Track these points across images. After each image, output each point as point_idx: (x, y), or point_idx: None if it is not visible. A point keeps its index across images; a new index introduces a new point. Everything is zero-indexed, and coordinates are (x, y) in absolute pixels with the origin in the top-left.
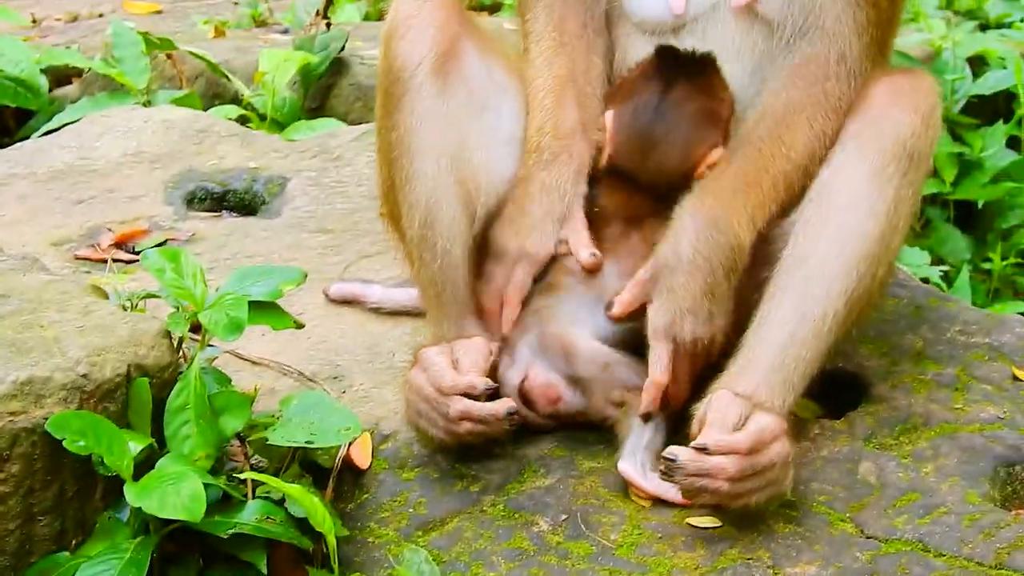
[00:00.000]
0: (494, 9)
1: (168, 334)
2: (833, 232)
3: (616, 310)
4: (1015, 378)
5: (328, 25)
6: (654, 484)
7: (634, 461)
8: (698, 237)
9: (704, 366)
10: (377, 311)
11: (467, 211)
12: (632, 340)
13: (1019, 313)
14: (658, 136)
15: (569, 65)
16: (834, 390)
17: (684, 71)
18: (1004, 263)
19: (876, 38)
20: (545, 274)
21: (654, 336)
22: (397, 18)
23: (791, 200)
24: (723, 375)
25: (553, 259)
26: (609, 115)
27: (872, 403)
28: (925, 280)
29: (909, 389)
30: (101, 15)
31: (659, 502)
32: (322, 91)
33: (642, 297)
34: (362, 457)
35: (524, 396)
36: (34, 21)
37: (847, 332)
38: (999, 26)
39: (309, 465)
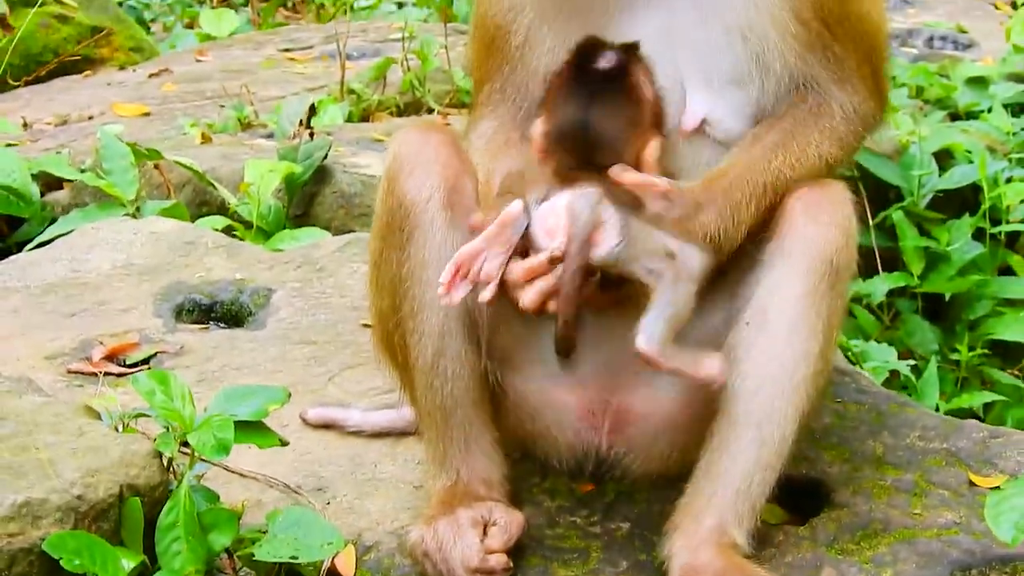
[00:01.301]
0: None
1: (158, 454)
2: (779, 358)
3: (626, 178)
4: (971, 483)
5: (311, 134)
6: (671, 359)
7: (649, 335)
8: (731, 193)
9: None
10: (354, 435)
11: (473, 338)
12: None
13: (985, 404)
14: (587, 142)
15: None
16: (799, 496)
17: (606, 72)
18: (972, 354)
19: (862, 75)
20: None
21: (668, 197)
22: (402, 155)
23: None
24: (687, 507)
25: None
26: (537, 124)
27: (834, 508)
28: (894, 372)
29: (870, 495)
30: (91, 117)
31: None
32: (306, 199)
33: (647, 190)
34: (346, 568)
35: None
36: (25, 125)
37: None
38: (968, 115)
39: None
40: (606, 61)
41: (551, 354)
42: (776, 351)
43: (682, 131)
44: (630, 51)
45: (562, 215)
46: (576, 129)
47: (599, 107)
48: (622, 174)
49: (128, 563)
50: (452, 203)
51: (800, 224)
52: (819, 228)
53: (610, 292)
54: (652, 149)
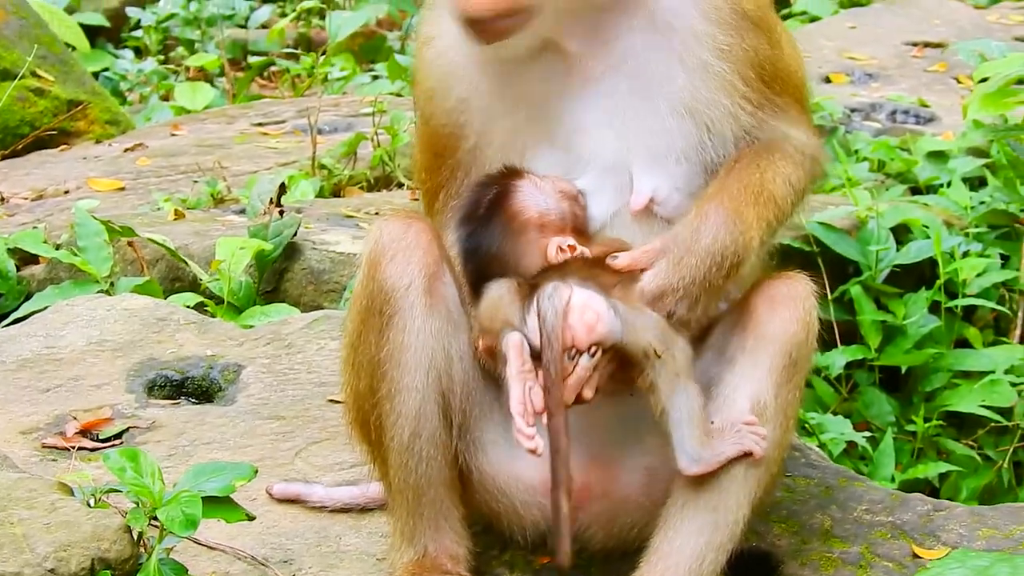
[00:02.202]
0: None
1: (129, 529)
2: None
3: (620, 262)
4: (915, 555)
5: (281, 212)
6: (712, 456)
7: (688, 454)
8: (719, 228)
9: None
10: (318, 510)
11: (446, 422)
12: None
13: (941, 474)
14: (483, 261)
15: None
16: (748, 567)
17: (488, 203)
18: (927, 425)
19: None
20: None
21: (640, 297)
22: (383, 241)
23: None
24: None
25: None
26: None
27: None
28: (851, 443)
29: (817, 566)
30: (67, 192)
31: None
32: (276, 275)
33: (647, 264)
34: None
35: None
36: (1, 199)
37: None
38: (928, 189)
39: None
40: (487, 193)
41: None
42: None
43: (631, 210)
44: (511, 177)
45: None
46: (468, 252)
47: (485, 232)
48: (613, 263)
49: None
50: (432, 289)
51: (763, 320)
52: (781, 324)
53: (618, 378)
54: (552, 249)
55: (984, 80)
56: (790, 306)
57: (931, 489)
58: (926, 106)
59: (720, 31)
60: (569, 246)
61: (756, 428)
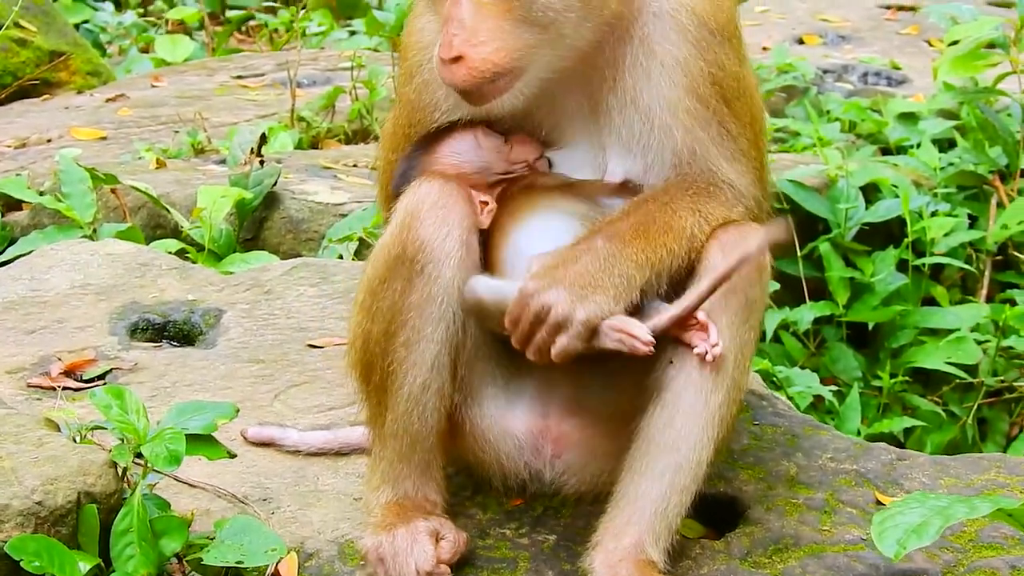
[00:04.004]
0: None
1: (114, 464)
2: (695, 388)
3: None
4: (878, 502)
5: (262, 162)
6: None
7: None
8: (595, 246)
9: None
10: (295, 453)
11: (453, 375)
12: None
13: (906, 429)
14: None
15: None
16: (715, 511)
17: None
18: (893, 381)
19: (746, 164)
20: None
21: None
22: (423, 195)
23: (680, 253)
24: (608, 525)
25: (516, 188)
26: None
27: (749, 524)
28: (819, 398)
29: (782, 512)
30: (49, 140)
31: None
32: (256, 224)
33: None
34: (289, 573)
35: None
36: None
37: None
38: (898, 150)
39: None
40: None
41: (512, 388)
42: (692, 381)
43: (606, 181)
44: (461, 126)
45: None
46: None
47: (414, 170)
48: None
49: (84, 565)
50: (467, 243)
51: (716, 261)
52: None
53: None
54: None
55: (955, 43)
56: (743, 247)
57: (896, 444)
58: (898, 68)
59: (691, 46)
60: (481, 202)
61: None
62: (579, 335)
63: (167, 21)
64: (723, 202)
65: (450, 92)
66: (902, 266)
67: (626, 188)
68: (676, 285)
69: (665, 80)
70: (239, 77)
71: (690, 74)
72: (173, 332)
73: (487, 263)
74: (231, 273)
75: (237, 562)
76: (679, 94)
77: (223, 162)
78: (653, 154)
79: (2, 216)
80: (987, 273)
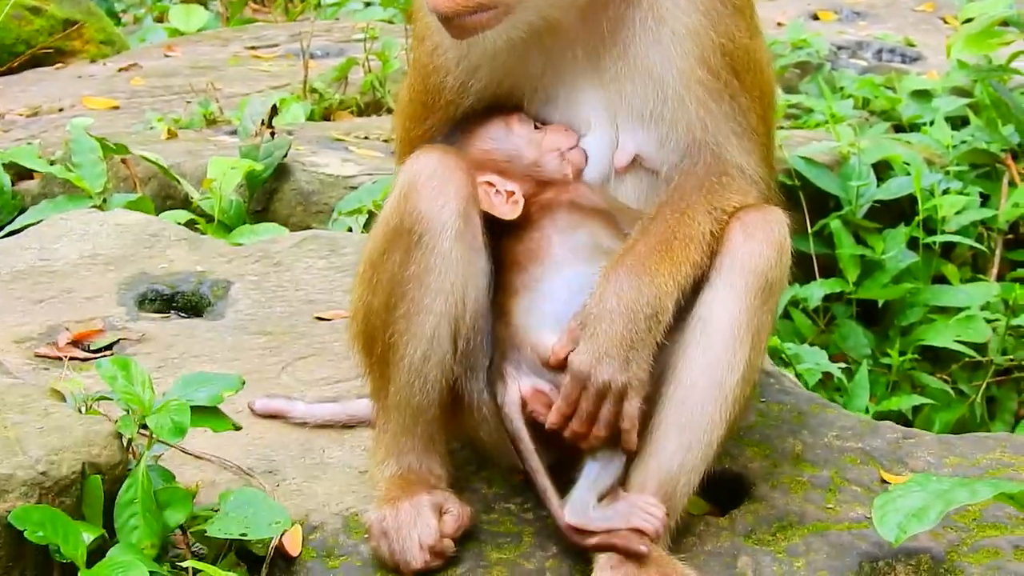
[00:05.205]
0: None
1: (119, 435)
2: (711, 368)
3: (552, 360)
4: (883, 480)
5: (272, 134)
6: (598, 520)
7: (574, 508)
8: (621, 288)
9: (616, 423)
10: (301, 425)
11: (454, 347)
12: None
13: (914, 407)
14: None
15: None
16: (720, 488)
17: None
18: (903, 359)
19: (755, 141)
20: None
21: (568, 374)
22: (420, 167)
23: (702, 262)
24: None
25: (512, 262)
26: None
27: (753, 501)
28: (827, 375)
29: (787, 489)
30: (61, 110)
31: None
32: (266, 195)
33: (571, 345)
34: (293, 545)
35: (525, 412)
36: None
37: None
38: (911, 127)
39: (245, 554)
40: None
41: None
42: (708, 361)
43: (616, 167)
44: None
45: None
46: None
47: None
48: (551, 361)
49: (88, 536)
50: (466, 214)
51: (738, 243)
52: (754, 246)
53: None
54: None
55: (969, 20)
56: (764, 229)
57: (904, 422)
58: (912, 45)
59: (702, 16)
60: (487, 182)
61: (652, 507)
62: (639, 394)
63: None
64: (737, 190)
65: (460, 55)
66: (913, 244)
67: (636, 168)
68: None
69: (677, 48)
70: (252, 48)
71: (701, 44)
72: (181, 303)
73: (506, 274)
74: (240, 244)
75: (241, 534)
76: (691, 64)
77: (234, 133)
78: (667, 126)
79: (12, 185)
80: (998, 252)
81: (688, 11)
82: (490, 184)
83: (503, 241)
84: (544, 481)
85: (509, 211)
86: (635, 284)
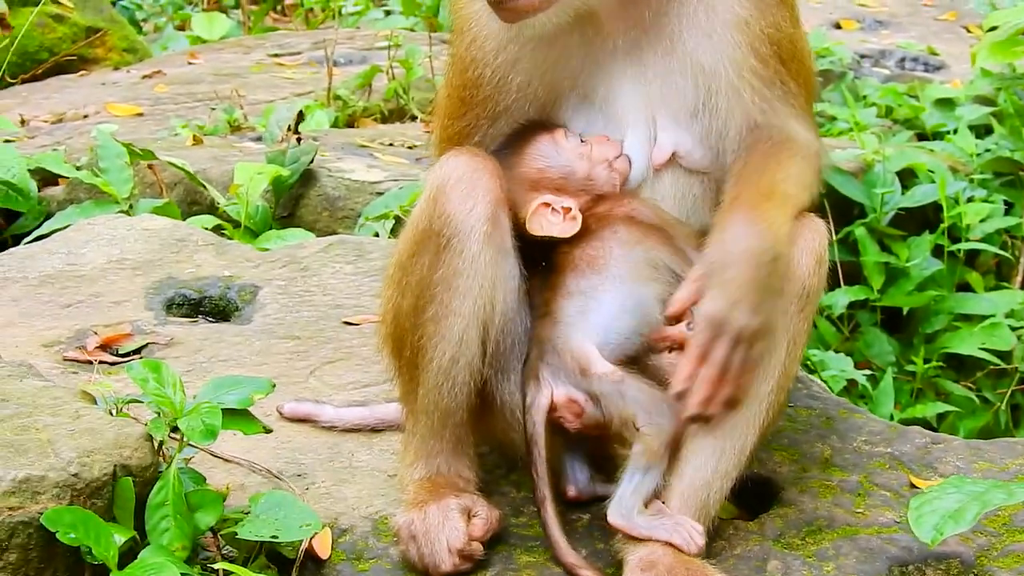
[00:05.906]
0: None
1: (150, 438)
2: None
3: (673, 308)
4: (912, 485)
5: (299, 139)
6: (643, 527)
7: (619, 509)
8: (739, 235)
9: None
10: (330, 429)
11: (482, 350)
12: (641, 356)
13: (939, 414)
14: None
15: None
16: (749, 493)
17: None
18: (927, 366)
19: (808, 123)
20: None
21: (701, 323)
22: (450, 170)
23: (804, 200)
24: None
25: (569, 264)
26: None
27: (782, 506)
28: (852, 382)
29: (816, 494)
30: (86, 116)
31: None
32: (292, 201)
33: (696, 294)
34: (323, 548)
35: (552, 416)
36: (22, 122)
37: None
38: (935, 136)
39: (275, 556)
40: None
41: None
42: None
43: (654, 164)
44: (538, 128)
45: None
46: None
47: None
48: (671, 309)
49: (119, 538)
50: (494, 218)
51: None
52: (794, 253)
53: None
54: (532, 205)
55: (993, 29)
56: (805, 237)
57: (929, 429)
58: (935, 54)
59: (752, 5)
60: (543, 203)
61: (696, 532)
62: (767, 340)
63: None
64: (803, 145)
65: (499, 47)
66: (937, 251)
67: (674, 166)
68: None
69: (728, 39)
70: (275, 55)
71: (751, 33)
72: (209, 308)
73: (558, 275)
74: (267, 250)
75: (272, 537)
76: (744, 54)
77: (259, 139)
78: (722, 119)
79: (39, 191)
80: (1022, 259)
81: (739, 1)
82: (546, 204)
83: (559, 244)
84: (545, 489)
85: (569, 228)
86: (752, 231)
